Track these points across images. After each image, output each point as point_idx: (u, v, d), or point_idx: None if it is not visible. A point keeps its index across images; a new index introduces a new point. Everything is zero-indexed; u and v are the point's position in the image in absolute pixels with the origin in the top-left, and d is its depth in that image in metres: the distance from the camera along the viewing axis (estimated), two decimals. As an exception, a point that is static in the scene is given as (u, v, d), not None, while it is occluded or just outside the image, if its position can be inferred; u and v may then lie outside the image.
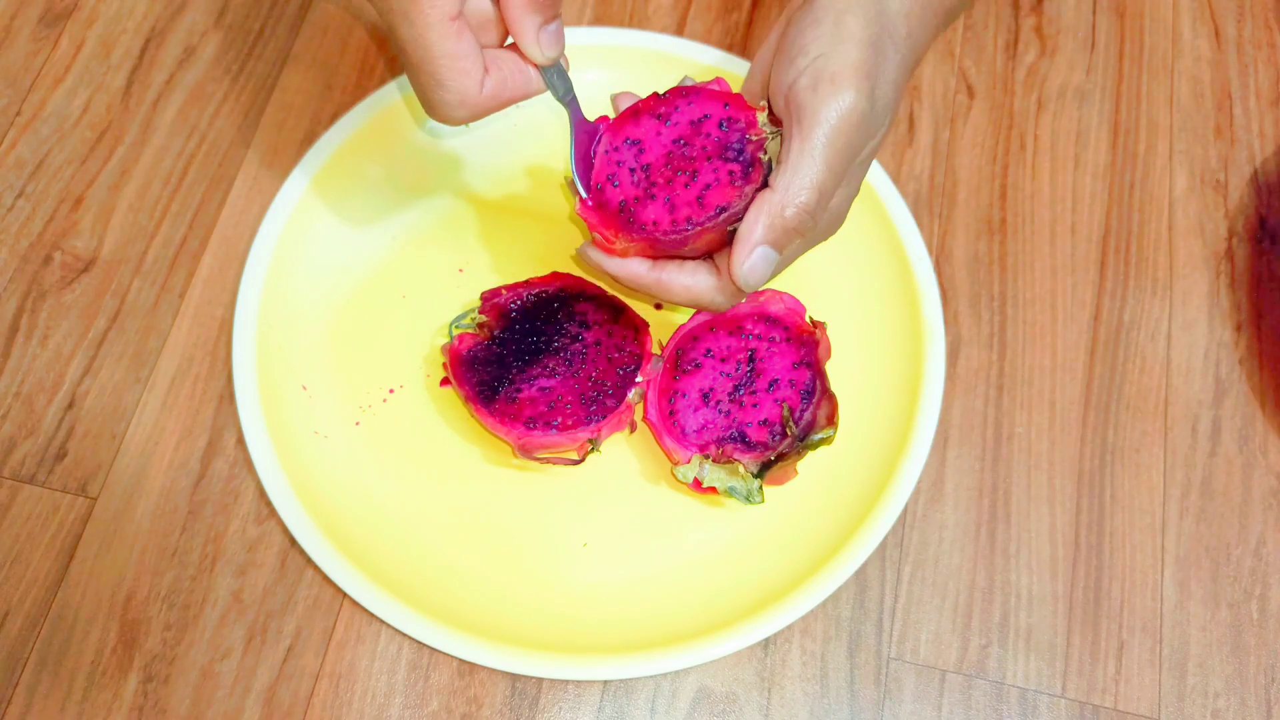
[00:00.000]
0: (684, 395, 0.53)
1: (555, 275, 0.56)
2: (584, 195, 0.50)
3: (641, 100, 0.51)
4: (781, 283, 0.56)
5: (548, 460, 0.53)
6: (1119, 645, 0.53)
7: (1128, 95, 0.66)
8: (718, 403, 0.52)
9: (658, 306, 0.58)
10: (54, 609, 0.51)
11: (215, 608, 0.51)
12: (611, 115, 0.52)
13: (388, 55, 0.64)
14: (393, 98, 0.60)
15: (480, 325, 0.54)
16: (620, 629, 0.51)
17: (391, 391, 0.56)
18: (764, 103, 0.49)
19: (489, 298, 0.54)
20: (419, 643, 0.51)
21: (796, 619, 0.50)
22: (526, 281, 0.55)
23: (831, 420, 0.51)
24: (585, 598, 0.52)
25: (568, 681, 0.51)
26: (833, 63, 0.45)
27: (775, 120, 0.49)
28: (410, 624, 0.50)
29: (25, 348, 0.56)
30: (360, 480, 0.54)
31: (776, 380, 0.52)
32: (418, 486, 0.54)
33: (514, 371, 0.53)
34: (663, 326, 0.57)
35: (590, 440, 0.52)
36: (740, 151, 0.48)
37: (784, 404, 0.51)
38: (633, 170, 0.50)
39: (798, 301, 0.53)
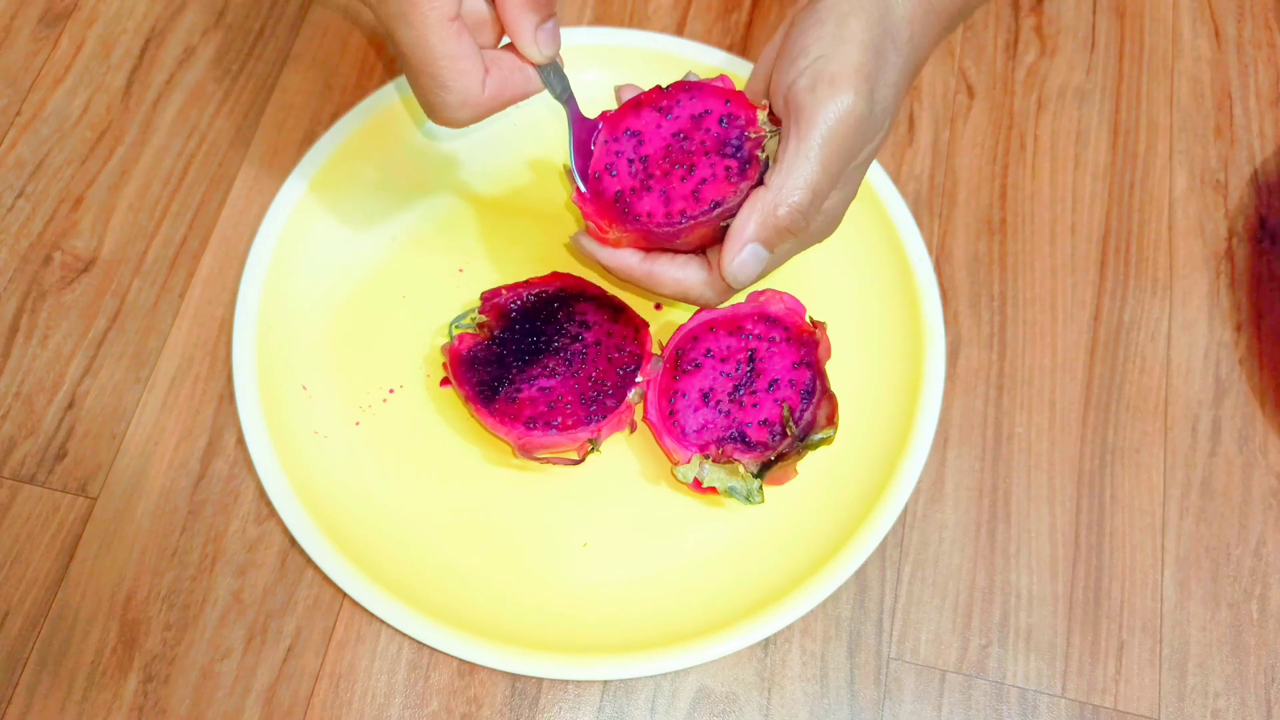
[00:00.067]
0: (684, 395, 0.53)
1: (555, 275, 0.56)
2: (582, 190, 0.50)
3: (644, 92, 0.51)
4: (781, 283, 0.56)
5: (548, 460, 0.53)
6: (1119, 645, 0.53)
7: (1128, 95, 0.66)
8: (718, 403, 0.52)
9: (658, 306, 0.58)
10: (54, 609, 0.51)
11: (215, 608, 0.51)
12: (614, 110, 0.52)
13: (386, 57, 0.64)
14: (392, 98, 0.60)
15: (480, 325, 0.54)
16: (620, 629, 0.51)
17: (391, 391, 0.56)
18: (765, 101, 0.49)
19: (489, 298, 0.54)
20: (419, 643, 0.51)
21: (796, 619, 0.50)
22: (526, 281, 0.55)
23: (831, 420, 0.51)
24: (585, 598, 0.52)
25: (568, 681, 0.51)
26: (833, 64, 0.45)
27: (775, 119, 0.49)
28: (410, 624, 0.50)
29: (25, 348, 0.56)
30: (360, 480, 0.54)
31: (776, 380, 0.52)
32: (418, 486, 0.54)
33: (514, 371, 0.53)
34: (663, 326, 0.57)
35: (590, 440, 0.52)
36: (738, 148, 0.49)
37: (784, 404, 0.51)
38: (631, 161, 0.50)
39: (798, 301, 0.53)
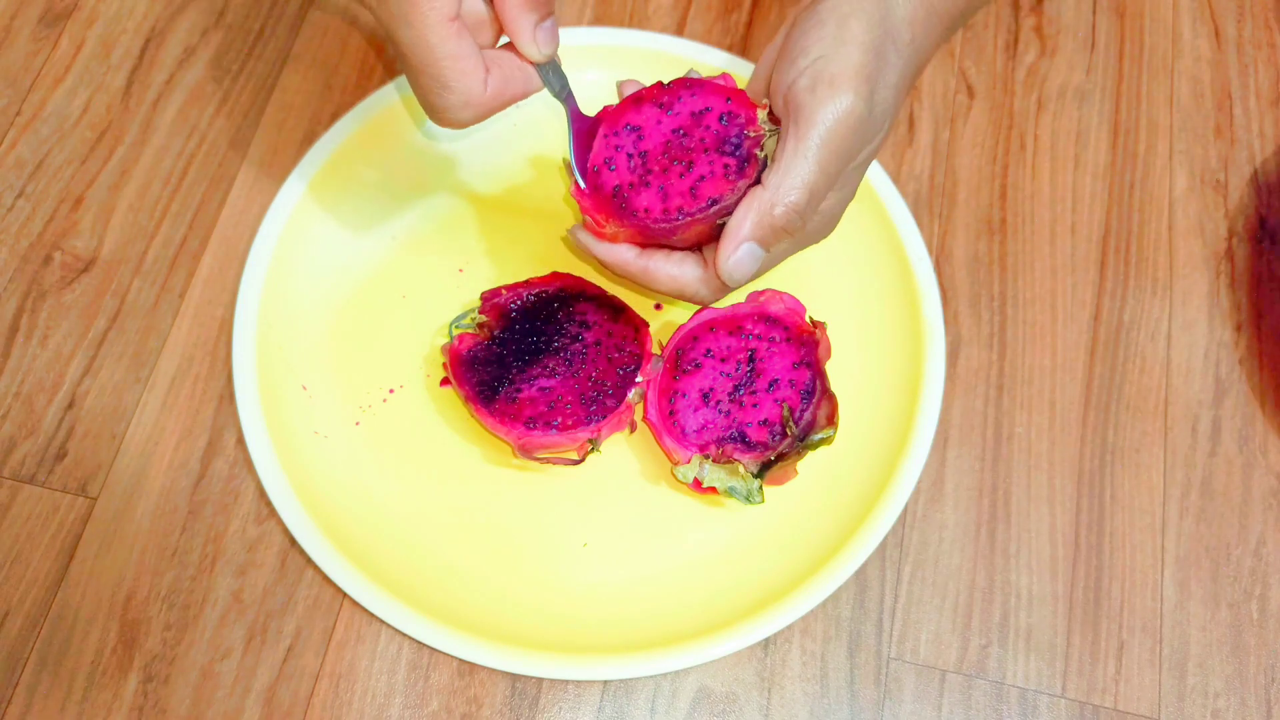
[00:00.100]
0: (684, 395, 0.53)
1: (555, 275, 0.56)
2: (581, 186, 0.50)
3: (645, 88, 0.51)
4: (781, 283, 0.56)
5: (548, 460, 0.53)
6: (1119, 645, 0.53)
7: (1128, 95, 0.66)
8: (718, 403, 0.52)
9: (658, 306, 0.58)
10: (54, 609, 0.51)
11: (215, 608, 0.51)
12: (615, 105, 0.52)
13: (386, 57, 0.64)
14: (393, 98, 0.60)
15: (480, 325, 0.54)
16: (620, 629, 0.51)
17: (391, 391, 0.56)
18: (766, 100, 0.49)
19: (489, 298, 0.54)
20: (419, 643, 0.51)
21: (796, 619, 0.50)
22: (526, 281, 0.55)
23: (831, 420, 0.51)
24: (585, 598, 0.52)
25: (568, 681, 0.51)
26: (833, 65, 0.45)
27: (775, 119, 0.49)
28: (410, 624, 0.50)
29: (25, 348, 0.56)
30: (360, 480, 0.54)
31: (776, 380, 0.52)
32: (418, 486, 0.54)
33: (514, 371, 0.53)
34: (663, 326, 0.57)
35: (590, 440, 0.52)
36: (738, 146, 0.49)
37: (784, 404, 0.51)
38: (630, 156, 0.50)
39: (798, 301, 0.53)
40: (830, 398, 0.52)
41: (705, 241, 0.50)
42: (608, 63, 0.61)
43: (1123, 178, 0.63)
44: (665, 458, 0.54)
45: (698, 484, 0.51)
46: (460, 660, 0.51)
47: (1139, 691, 0.52)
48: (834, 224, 0.50)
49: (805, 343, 0.52)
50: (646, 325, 0.54)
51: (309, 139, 0.62)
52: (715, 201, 0.48)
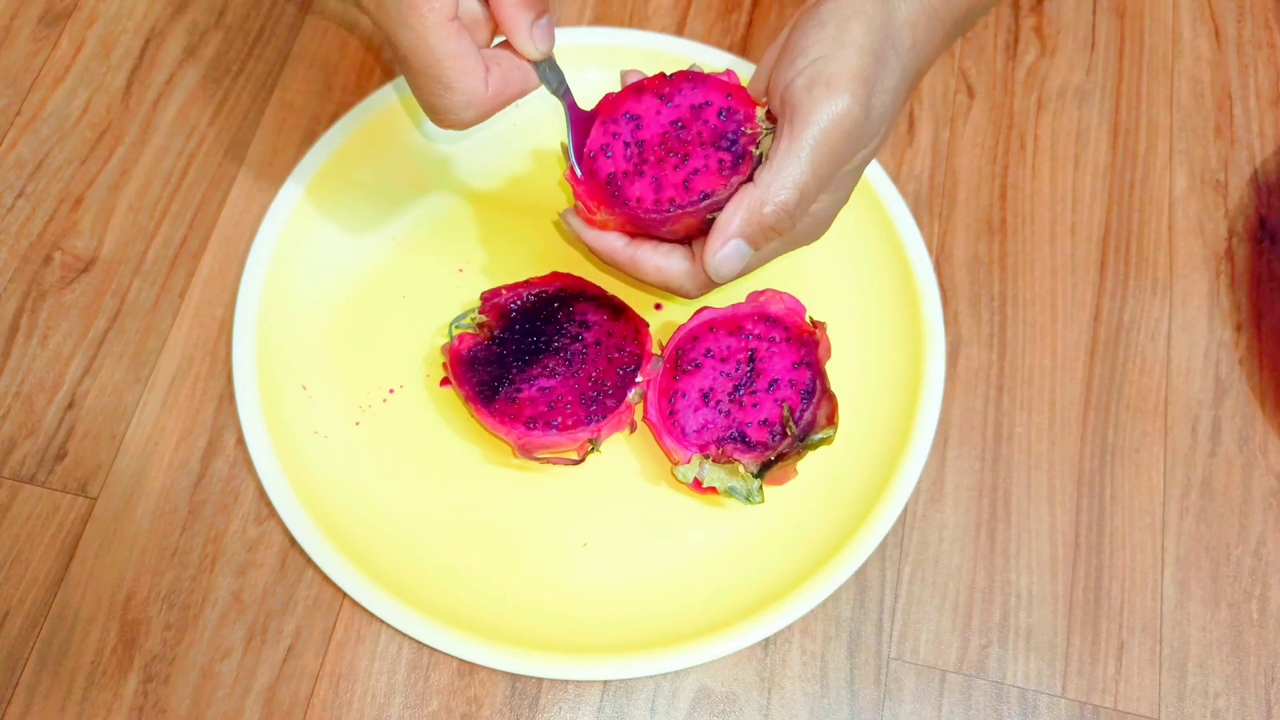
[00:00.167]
0: (684, 395, 0.53)
1: (555, 275, 0.56)
2: (578, 174, 0.50)
3: (648, 78, 0.51)
4: (781, 283, 0.56)
5: (548, 460, 0.53)
6: (1119, 645, 0.53)
7: (1128, 95, 0.66)
8: (718, 403, 0.52)
9: (658, 306, 0.58)
10: (54, 609, 0.51)
11: (215, 608, 0.51)
12: (616, 92, 0.52)
13: (385, 58, 0.64)
14: (392, 98, 0.60)
15: (480, 325, 0.54)
16: (620, 629, 0.51)
17: (391, 391, 0.56)
18: (765, 98, 0.49)
19: (489, 298, 0.54)
20: (419, 643, 0.51)
21: (796, 619, 0.50)
22: (526, 281, 0.55)
23: (831, 420, 0.51)
24: (585, 598, 0.52)
25: (568, 681, 0.51)
26: (831, 66, 0.45)
27: (773, 118, 0.49)
28: (410, 624, 0.50)
29: (25, 348, 0.56)
30: (360, 480, 0.54)
31: (776, 380, 0.52)
32: (418, 486, 0.54)
33: (514, 371, 0.53)
34: (663, 326, 0.57)
35: (590, 440, 0.52)
36: (734, 142, 0.49)
37: (784, 404, 0.51)
38: (627, 145, 0.50)
39: (798, 301, 0.53)
40: (830, 398, 0.52)
41: (695, 235, 0.50)
42: (608, 63, 0.61)
43: (1123, 178, 0.63)
44: (665, 458, 0.54)
45: (698, 484, 0.51)
46: (460, 660, 0.51)
47: (1139, 691, 0.52)
48: (825, 226, 0.50)
49: (805, 343, 0.52)
50: (646, 325, 0.54)
51: (309, 139, 0.62)
52: (707, 196, 0.48)
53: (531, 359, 0.53)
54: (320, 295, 0.57)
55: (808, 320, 0.53)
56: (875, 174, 0.59)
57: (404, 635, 0.51)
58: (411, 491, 0.54)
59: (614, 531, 0.53)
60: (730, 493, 0.51)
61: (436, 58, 0.43)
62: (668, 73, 0.51)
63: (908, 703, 0.51)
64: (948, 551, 0.54)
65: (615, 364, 0.53)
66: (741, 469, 0.51)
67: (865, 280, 0.58)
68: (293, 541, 0.53)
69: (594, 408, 0.52)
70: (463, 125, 0.46)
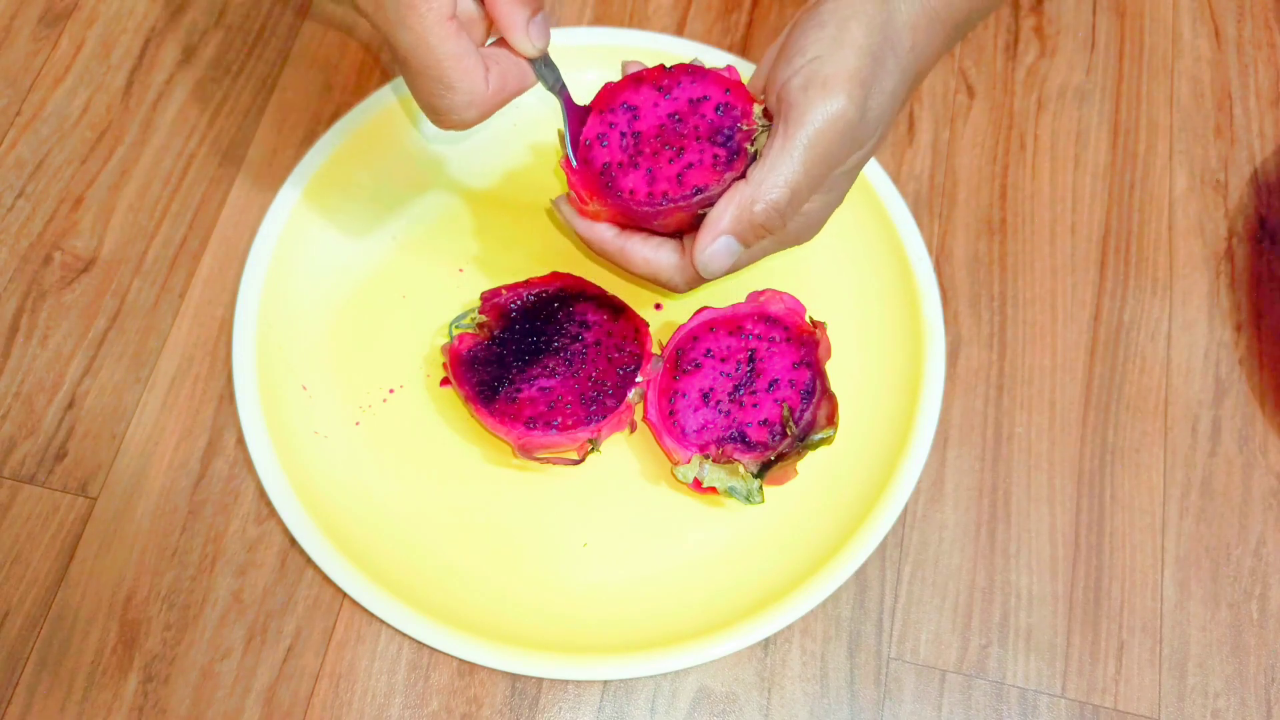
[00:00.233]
0: (684, 395, 0.53)
1: (555, 275, 0.56)
2: (573, 164, 0.50)
3: (647, 69, 0.51)
4: (781, 283, 0.56)
5: (548, 460, 0.53)
6: (1119, 645, 0.53)
7: (1128, 95, 0.66)
8: (718, 403, 0.52)
9: (658, 306, 0.58)
10: (54, 609, 0.51)
11: (215, 608, 0.51)
12: (616, 81, 0.52)
13: (384, 60, 0.64)
14: (392, 99, 0.60)
15: (480, 325, 0.54)
16: (620, 629, 0.51)
17: (391, 391, 0.56)
18: (763, 96, 0.49)
19: (489, 298, 0.54)
20: (419, 643, 0.51)
21: (796, 619, 0.50)
22: (526, 281, 0.55)
23: (831, 420, 0.51)
24: (585, 598, 0.52)
25: (568, 681, 0.51)
26: (828, 66, 0.45)
27: (770, 115, 0.49)
28: (410, 624, 0.50)
29: (25, 348, 0.56)
30: (360, 480, 0.54)
31: (776, 380, 0.52)
32: (418, 486, 0.54)
33: (514, 371, 0.53)
34: (663, 326, 0.57)
35: (590, 440, 0.52)
36: (729, 138, 0.49)
37: (784, 404, 0.51)
38: (623, 135, 0.50)
39: (798, 301, 0.53)
40: (830, 398, 0.52)
41: (686, 229, 0.50)
42: (608, 63, 0.61)
43: (1123, 178, 0.63)
44: (665, 458, 0.54)
45: (698, 484, 0.51)
46: (460, 660, 0.51)
47: (1139, 691, 0.52)
48: (818, 227, 0.50)
49: (805, 343, 0.52)
50: (646, 325, 0.54)
51: (309, 139, 0.62)
52: (700, 190, 0.48)
53: (531, 359, 0.53)
54: (320, 295, 0.57)
55: (808, 320, 0.53)
56: (875, 174, 0.59)
57: (404, 635, 0.51)
58: (411, 491, 0.54)
59: (614, 531, 0.53)
60: (730, 493, 0.51)
61: (437, 57, 0.43)
62: (667, 65, 0.51)
63: (908, 703, 0.51)
64: (948, 551, 0.54)
65: (615, 364, 0.53)
66: (741, 469, 0.51)
67: (865, 280, 0.58)
68: (293, 541, 0.53)
69: (594, 408, 0.52)
70: (464, 125, 0.46)
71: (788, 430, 0.50)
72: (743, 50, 0.65)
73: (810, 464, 0.53)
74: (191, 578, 0.52)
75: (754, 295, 0.54)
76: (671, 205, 0.48)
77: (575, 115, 0.51)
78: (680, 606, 0.51)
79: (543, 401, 0.52)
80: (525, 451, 0.52)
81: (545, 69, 0.49)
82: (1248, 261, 0.61)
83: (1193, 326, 0.59)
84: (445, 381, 0.55)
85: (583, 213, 0.51)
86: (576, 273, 0.56)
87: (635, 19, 0.66)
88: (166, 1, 0.65)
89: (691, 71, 0.50)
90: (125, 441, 0.54)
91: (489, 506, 0.54)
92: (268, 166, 0.61)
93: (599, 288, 0.55)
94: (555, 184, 0.61)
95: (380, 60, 0.64)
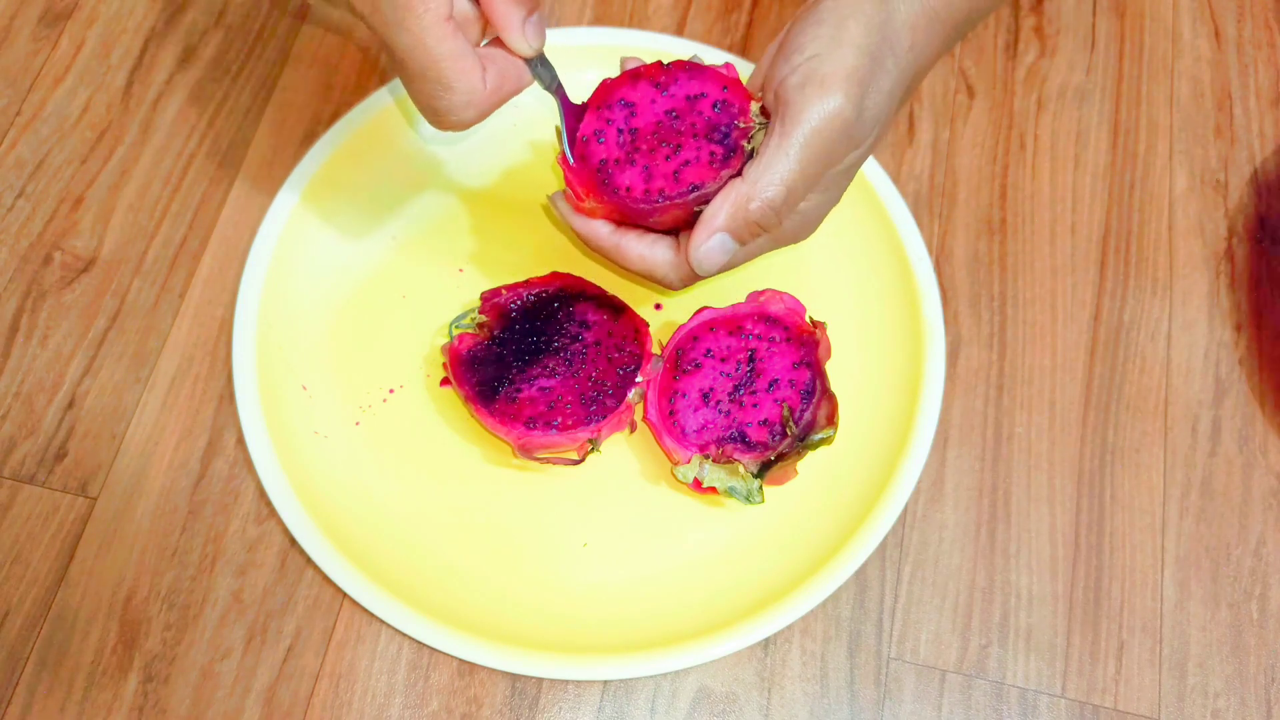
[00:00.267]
0: (684, 395, 0.53)
1: (555, 275, 0.56)
2: (570, 161, 0.50)
3: (645, 65, 0.51)
4: (781, 283, 0.56)
5: (548, 460, 0.53)
6: (1119, 645, 0.53)
7: (1128, 95, 0.66)
8: (718, 403, 0.52)
9: (658, 306, 0.58)
10: (54, 609, 0.51)
11: (215, 608, 0.51)
12: (613, 77, 0.52)
13: (383, 61, 0.64)
14: (391, 99, 0.60)
15: (480, 325, 0.54)
16: (620, 629, 0.51)
17: (391, 391, 0.56)
18: (761, 94, 0.49)
19: (489, 298, 0.54)
20: (419, 643, 0.51)
21: (796, 619, 0.50)
22: (526, 281, 0.55)
23: (831, 420, 0.51)
24: (585, 598, 0.52)
25: (568, 681, 0.51)
26: (826, 65, 0.45)
27: (767, 113, 0.49)
28: (410, 624, 0.50)
29: (25, 348, 0.56)
30: (360, 480, 0.54)
31: (776, 380, 0.52)
32: (418, 486, 0.54)
33: (514, 371, 0.53)
34: (663, 326, 0.57)
35: (590, 440, 0.52)
36: (726, 135, 0.49)
37: (784, 404, 0.51)
38: (620, 131, 0.50)
39: (798, 301, 0.53)
40: (830, 398, 0.52)
41: (682, 226, 0.50)
42: (608, 63, 0.61)
43: (1123, 178, 0.63)
44: (665, 458, 0.54)
45: (698, 484, 0.51)
46: (460, 660, 0.51)
47: (1139, 691, 0.52)
48: (814, 226, 0.50)
49: (805, 343, 0.52)
50: (646, 325, 0.54)
51: (309, 139, 0.62)
52: (696, 188, 0.48)
53: (531, 359, 0.53)
54: (320, 295, 0.57)
55: (808, 320, 0.53)
56: (875, 174, 0.59)
57: (404, 635, 0.51)
58: (411, 491, 0.54)
59: (614, 531, 0.53)
60: (730, 493, 0.51)
61: (434, 58, 0.43)
62: (665, 62, 0.51)
63: (908, 703, 0.51)
64: (948, 551, 0.54)
65: (615, 364, 0.53)
66: (741, 469, 0.51)
67: (865, 280, 0.58)
68: (293, 541, 0.53)
69: (594, 408, 0.52)
70: (462, 126, 0.46)
71: (788, 430, 0.50)
72: (743, 50, 0.65)
73: (810, 464, 0.53)
74: (191, 578, 0.52)
75: (754, 295, 0.54)
76: (668, 202, 0.48)
77: (572, 113, 0.51)
78: (680, 606, 0.51)
79: (543, 401, 0.52)
80: (525, 451, 0.52)
81: (542, 68, 0.49)
82: (1248, 261, 0.61)
83: (1193, 326, 0.59)
84: (445, 381, 0.55)
85: (579, 209, 0.51)
86: (576, 272, 0.56)
87: (635, 19, 0.66)
88: (166, 2, 0.65)
89: (689, 68, 0.50)
90: (125, 441, 0.54)
91: (489, 506, 0.54)
92: (267, 167, 0.61)
93: (599, 287, 0.55)
94: (554, 182, 0.61)
95: (379, 61, 0.64)
